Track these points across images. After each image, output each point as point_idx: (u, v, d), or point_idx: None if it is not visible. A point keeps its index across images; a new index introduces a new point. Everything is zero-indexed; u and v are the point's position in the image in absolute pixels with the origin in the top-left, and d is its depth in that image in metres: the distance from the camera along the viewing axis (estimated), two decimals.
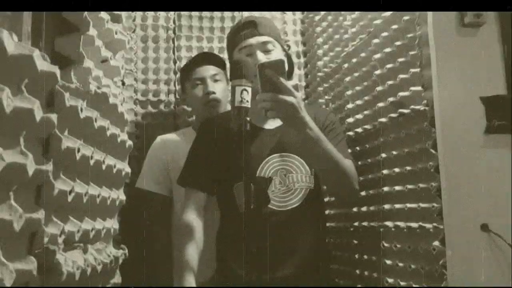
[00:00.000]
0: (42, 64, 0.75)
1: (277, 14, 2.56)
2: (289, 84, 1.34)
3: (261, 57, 1.55)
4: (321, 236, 1.65)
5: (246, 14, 2.22)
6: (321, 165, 1.50)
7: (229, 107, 2.15)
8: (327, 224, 2.12)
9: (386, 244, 1.61)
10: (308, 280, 1.54)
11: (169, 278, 1.84)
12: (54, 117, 0.79)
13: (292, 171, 1.57)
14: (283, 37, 2.28)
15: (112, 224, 1.23)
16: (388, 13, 1.67)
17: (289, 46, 2.49)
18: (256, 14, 1.81)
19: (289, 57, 1.72)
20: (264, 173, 1.56)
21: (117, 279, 1.24)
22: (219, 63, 2.07)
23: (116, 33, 1.25)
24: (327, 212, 2.14)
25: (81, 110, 0.92)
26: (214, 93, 1.98)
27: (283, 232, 1.53)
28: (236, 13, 2.53)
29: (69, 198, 0.91)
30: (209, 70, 2.02)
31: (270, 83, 1.32)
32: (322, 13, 2.34)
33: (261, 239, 1.51)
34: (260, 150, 1.59)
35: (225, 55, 2.43)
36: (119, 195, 1.26)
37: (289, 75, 1.78)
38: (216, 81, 2.01)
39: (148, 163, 2.03)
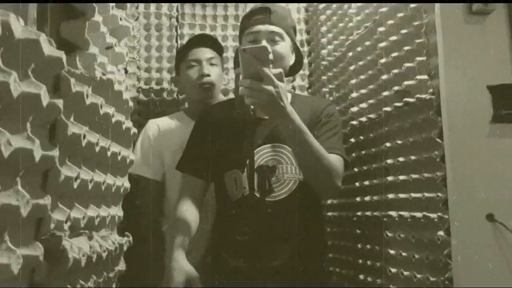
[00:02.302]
0: (49, 49, 0.75)
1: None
2: (272, 72, 1.31)
3: (268, 46, 1.52)
4: (314, 227, 1.64)
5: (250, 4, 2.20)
6: (301, 157, 1.47)
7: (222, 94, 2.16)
8: (330, 214, 2.13)
9: (389, 234, 1.61)
10: (301, 271, 1.54)
11: (161, 267, 1.85)
12: (60, 102, 0.78)
13: (282, 162, 1.56)
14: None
15: (117, 211, 1.23)
16: None
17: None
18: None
19: (298, 52, 1.70)
20: (256, 163, 1.56)
21: (121, 266, 1.24)
22: (217, 47, 2.03)
23: (120, 20, 1.24)
24: (329, 202, 2.14)
25: (87, 96, 0.91)
26: (209, 75, 1.94)
27: (272, 223, 1.53)
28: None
29: (75, 185, 0.90)
30: (206, 53, 1.98)
31: (251, 69, 1.30)
32: None
33: (251, 229, 1.51)
34: (254, 139, 1.58)
35: (227, 43, 2.44)
36: (123, 182, 1.25)
37: (297, 70, 1.77)
38: (212, 64, 1.97)
39: (141, 148, 1.97)
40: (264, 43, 1.53)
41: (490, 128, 1.35)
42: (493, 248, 1.30)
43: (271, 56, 1.44)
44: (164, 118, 2.06)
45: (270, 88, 1.29)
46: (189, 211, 1.55)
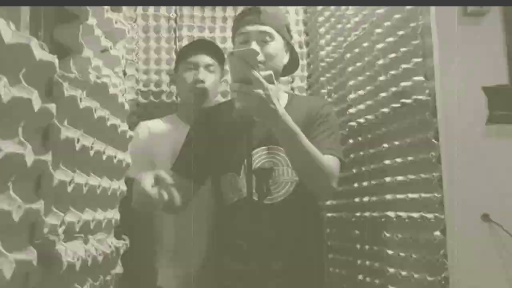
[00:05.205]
0: (40, 53, 0.75)
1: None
2: (261, 74, 1.29)
3: (255, 47, 1.49)
4: (313, 228, 1.64)
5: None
6: (294, 159, 1.46)
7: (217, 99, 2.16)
8: (329, 214, 2.13)
9: (387, 234, 1.61)
10: (300, 273, 1.54)
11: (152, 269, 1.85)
12: (52, 107, 0.78)
13: (278, 164, 1.55)
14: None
15: (113, 214, 1.23)
16: None
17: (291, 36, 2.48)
18: None
19: (293, 50, 1.70)
20: (252, 165, 1.55)
21: (118, 269, 1.24)
22: (218, 55, 2.04)
23: (116, 22, 1.24)
24: (328, 202, 2.14)
25: (81, 100, 0.91)
26: (203, 82, 1.94)
27: (270, 225, 1.52)
28: None
29: (69, 189, 0.91)
30: (205, 59, 1.99)
31: (240, 73, 1.28)
32: None
33: (248, 232, 1.51)
34: (250, 142, 1.56)
35: (226, 45, 2.44)
36: (120, 185, 1.25)
37: (294, 68, 1.77)
38: (209, 71, 1.98)
39: (133, 150, 1.97)
40: (253, 44, 1.52)
41: (486, 129, 1.36)
42: (488, 247, 1.31)
43: (261, 57, 1.42)
44: (156, 120, 2.05)
45: (259, 91, 1.27)
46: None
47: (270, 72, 1.33)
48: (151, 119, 2.07)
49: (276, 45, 1.57)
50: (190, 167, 1.60)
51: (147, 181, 1.25)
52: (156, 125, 2.01)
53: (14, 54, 0.69)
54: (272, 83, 1.31)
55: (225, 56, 2.10)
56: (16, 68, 0.70)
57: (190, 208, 1.60)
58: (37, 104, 0.73)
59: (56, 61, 0.79)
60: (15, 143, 0.70)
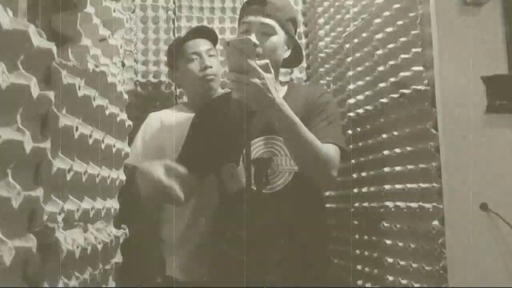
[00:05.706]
0: (38, 40, 0.74)
1: None
2: (258, 63, 1.27)
3: (254, 39, 1.45)
4: (314, 218, 1.63)
5: None
6: (293, 149, 1.45)
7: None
8: (328, 205, 2.14)
9: (386, 224, 1.61)
10: (300, 263, 1.54)
11: (159, 258, 1.86)
12: (51, 94, 0.78)
13: (277, 153, 1.54)
14: None
15: (113, 203, 1.23)
16: None
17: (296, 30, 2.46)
18: None
19: (296, 45, 1.68)
20: (251, 156, 1.55)
21: (118, 258, 1.24)
22: (212, 38, 2.03)
23: (114, 11, 1.23)
24: (327, 193, 2.14)
25: (79, 88, 0.91)
26: (211, 67, 1.93)
27: (269, 215, 1.52)
28: None
29: (68, 177, 0.90)
30: (204, 45, 1.97)
31: (236, 62, 1.27)
32: None
33: (249, 222, 1.51)
34: (248, 132, 1.56)
35: (225, 36, 2.43)
36: (119, 175, 1.25)
37: (296, 63, 1.75)
38: (210, 55, 1.97)
39: (142, 140, 1.95)
40: (253, 35, 1.51)
41: (485, 118, 1.36)
42: (486, 237, 1.31)
43: (259, 49, 1.41)
44: (166, 111, 2.05)
45: (256, 80, 1.26)
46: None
47: (267, 61, 1.32)
48: (152, 110, 2.06)
49: (276, 40, 1.55)
50: (194, 160, 1.60)
51: (160, 172, 1.26)
52: (167, 116, 1.99)
53: (12, 40, 0.68)
54: (269, 72, 1.30)
55: (218, 37, 2.10)
56: (14, 55, 0.70)
57: (193, 198, 1.62)
58: (35, 91, 0.73)
59: (55, 48, 0.78)
60: (14, 130, 0.70)
